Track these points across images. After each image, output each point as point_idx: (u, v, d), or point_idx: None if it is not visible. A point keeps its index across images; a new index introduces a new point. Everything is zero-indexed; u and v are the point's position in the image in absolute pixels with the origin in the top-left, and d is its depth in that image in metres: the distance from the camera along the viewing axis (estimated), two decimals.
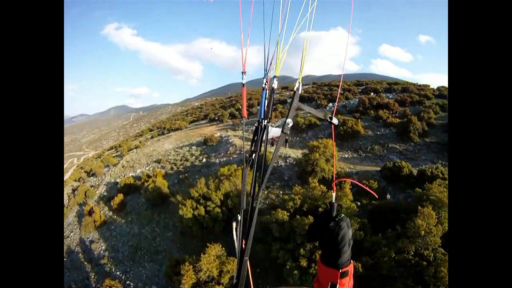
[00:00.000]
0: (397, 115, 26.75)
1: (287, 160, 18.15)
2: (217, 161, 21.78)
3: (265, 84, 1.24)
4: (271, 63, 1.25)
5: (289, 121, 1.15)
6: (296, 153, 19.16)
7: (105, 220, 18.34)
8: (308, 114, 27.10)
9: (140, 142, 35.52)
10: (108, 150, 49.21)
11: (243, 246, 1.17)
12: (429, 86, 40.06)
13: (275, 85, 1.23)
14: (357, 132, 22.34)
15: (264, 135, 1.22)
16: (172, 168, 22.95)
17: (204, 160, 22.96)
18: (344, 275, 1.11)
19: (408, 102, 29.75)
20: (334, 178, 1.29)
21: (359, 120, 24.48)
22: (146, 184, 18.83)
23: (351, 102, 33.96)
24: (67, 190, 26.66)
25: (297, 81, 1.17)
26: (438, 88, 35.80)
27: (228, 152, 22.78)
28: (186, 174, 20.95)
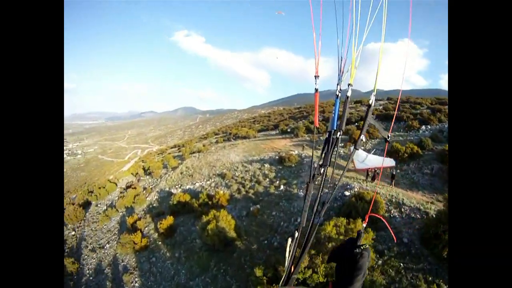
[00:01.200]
0: None
1: (402, 209, 12.57)
2: (301, 192, 16.03)
3: (339, 91, 1.14)
4: (342, 71, 1.13)
5: (363, 138, 1.10)
6: (410, 198, 13.56)
7: (147, 245, 14.57)
8: (400, 138, 23.52)
9: (204, 146, 31.49)
10: (172, 148, 48.56)
11: (291, 270, 1.14)
12: None
13: (349, 93, 1.13)
14: None
15: (334, 147, 1.12)
16: (239, 191, 17.55)
17: (282, 187, 16.95)
18: None
19: None
20: (369, 211, 1.28)
21: None
22: (206, 215, 13.23)
23: (445, 126, 26.91)
24: (121, 184, 25.36)
25: (372, 94, 1.10)
26: None
27: (317, 182, 18.65)
28: (259, 206, 15.30)
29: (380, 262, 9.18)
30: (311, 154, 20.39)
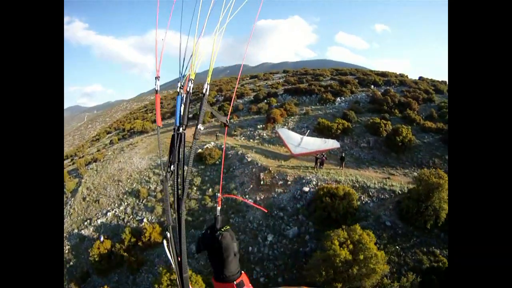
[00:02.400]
0: (424, 116, 23.32)
1: (370, 193, 12.61)
2: (250, 200, 13.81)
3: (180, 87, 1.15)
4: (183, 66, 1.13)
5: (201, 127, 1.10)
6: (369, 178, 14.00)
7: None
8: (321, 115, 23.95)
9: (99, 153, 26.39)
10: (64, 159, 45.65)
11: (179, 259, 1.13)
12: (391, 72, 38.29)
13: (190, 88, 1.14)
14: (409, 141, 18.36)
15: (181, 144, 1.13)
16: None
17: (218, 194, 9.08)
18: (240, 286, 1.13)
19: (421, 100, 27.10)
20: (220, 193, 1.29)
21: (409, 127, 19.76)
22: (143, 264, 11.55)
23: (359, 97, 29.00)
24: None
25: (206, 83, 1.11)
26: (433, 83, 33.90)
27: (263, 182, 14.38)
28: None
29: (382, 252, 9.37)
30: (232, 144, 18.52)
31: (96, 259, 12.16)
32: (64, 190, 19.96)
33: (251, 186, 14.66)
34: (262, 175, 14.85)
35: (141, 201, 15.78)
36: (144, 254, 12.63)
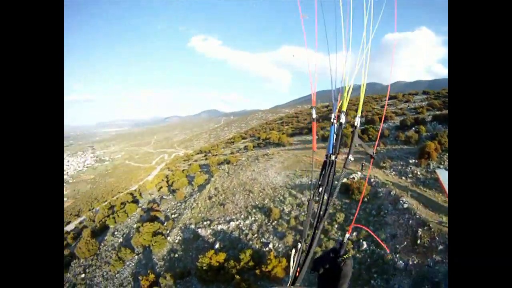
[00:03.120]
0: None
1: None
2: (405, 261, 10.16)
3: (334, 118, 1.26)
4: (338, 100, 1.27)
5: (351, 157, 1.22)
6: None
7: None
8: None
9: (232, 156, 25.68)
10: (198, 153, 45.98)
11: (297, 274, 1.23)
12: None
13: (343, 119, 1.26)
14: None
15: (331, 169, 1.27)
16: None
17: (365, 246, 10.72)
18: None
19: None
20: (353, 222, 1.37)
21: None
22: None
23: None
24: (143, 202, 21.51)
25: (357, 116, 1.21)
26: None
27: (420, 241, 10.45)
28: None
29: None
30: (382, 180, 14.25)
31: (204, 267, 10.92)
32: (192, 183, 20.81)
33: (405, 243, 10.49)
34: (420, 231, 10.66)
35: (270, 221, 12.94)
36: (258, 284, 10.33)
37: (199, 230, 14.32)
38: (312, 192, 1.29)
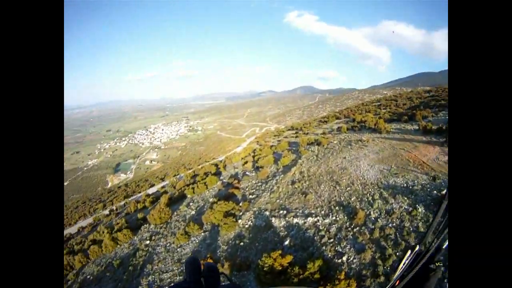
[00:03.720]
0: None
1: None
2: None
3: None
4: None
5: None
6: None
7: None
8: None
9: (324, 137, 23.33)
10: (289, 129, 43.28)
11: (397, 282, 1.14)
12: None
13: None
14: None
15: None
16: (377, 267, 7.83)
17: None
18: None
19: None
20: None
21: None
22: None
23: None
24: (225, 175, 20.61)
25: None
26: None
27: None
28: None
29: None
30: None
31: (265, 268, 9.46)
32: (278, 162, 19.12)
33: None
34: None
35: (352, 226, 10.45)
36: None
37: (273, 220, 12.51)
38: (446, 191, 1.12)
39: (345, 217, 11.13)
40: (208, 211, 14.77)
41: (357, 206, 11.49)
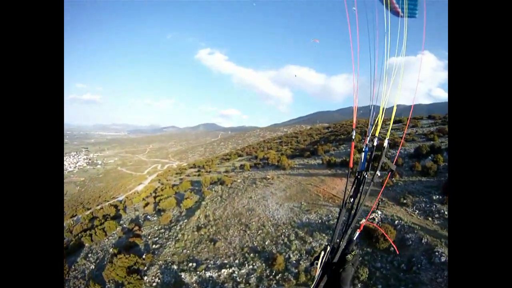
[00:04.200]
0: None
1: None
2: None
3: (368, 143, 1.51)
4: (373, 124, 1.50)
5: (378, 173, 1.42)
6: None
7: None
8: None
9: (227, 176, 23.34)
10: (191, 167, 43.28)
11: (319, 280, 1.34)
12: None
13: (375, 142, 1.48)
14: None
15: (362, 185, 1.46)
16: None
17: None
18: None
19: None
20: (367, 216, 1.55)
21: None
22: None
23: None
24: (125, 218, 19.05)
25: (386, 139, 1.42)
26: None
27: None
28: None
29: None
30: (408, 222, 10.53)
31: None
32: (181, 204, 17.79)
33: None
34: None
35: (273, 273, 9.53)
36: None
37: (183, 275, 10.81)
38: (343, 201, 1.46)
39: (263, 264, 10.02)
40: (108, 266, 12.52)
41: (273, 251, 10.50)
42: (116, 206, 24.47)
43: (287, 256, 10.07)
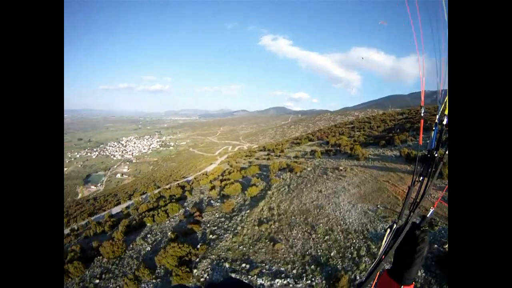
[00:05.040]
0: None
1: None
2: None
3: (438, 119, 1.41)
4: (441, 102, 1.39)
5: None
6: None
7: None
8: None
9: (297, 164, 21.06)
10: (260, 150, 42.20)
11: (383, 256, 1.26)
12: None
13: (445, 121, 1.38)
14: None
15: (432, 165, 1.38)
16: None
17: None
18: None
19: None
20: (441, 194, 1.42)
21: None
22: None
23: None
24: (190, 200, 18.51)
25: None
26: None
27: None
28: None
29: None
30: None
31: None
32: (245, 192, 16.39)
33: None
34: None
35: None
36: None
37: (232, 276, 7.86)
38: (413, 178, 1.37)
39: (323, 282, 8.06)
40: (161, 252, 12.27)
41: (338, 266, 8.58)
42: (183, 187, 24.12)
43: (352, 276, 7.98)
